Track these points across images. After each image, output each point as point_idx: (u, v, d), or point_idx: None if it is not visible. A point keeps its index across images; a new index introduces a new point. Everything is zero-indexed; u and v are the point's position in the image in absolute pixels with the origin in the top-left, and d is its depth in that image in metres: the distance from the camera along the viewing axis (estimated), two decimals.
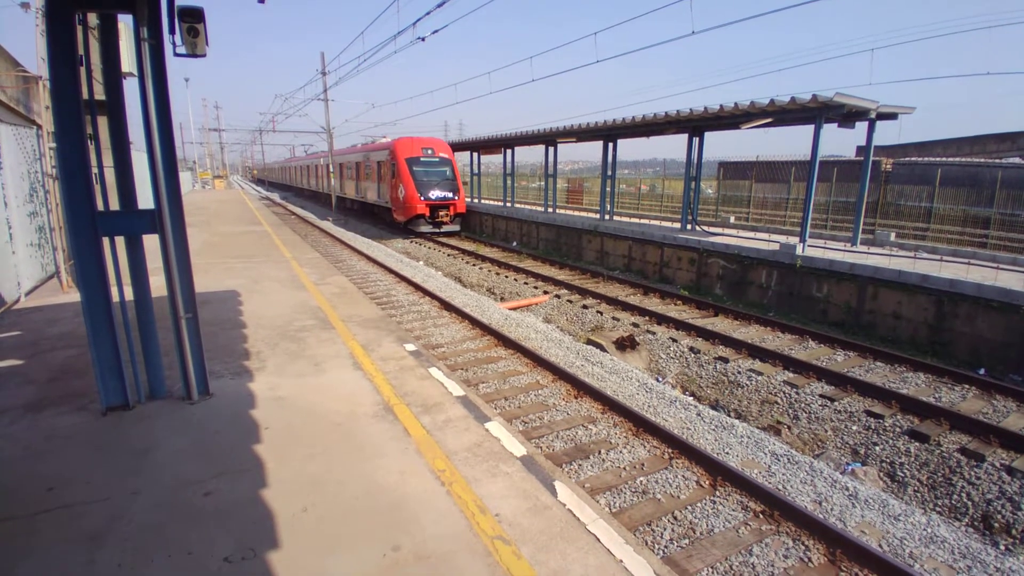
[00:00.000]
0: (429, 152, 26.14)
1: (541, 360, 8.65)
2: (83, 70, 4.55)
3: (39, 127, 9.93)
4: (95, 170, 4.74)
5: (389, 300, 12.58)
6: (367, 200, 32.35)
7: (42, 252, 10.27)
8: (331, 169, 37.23)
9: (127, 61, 5.57)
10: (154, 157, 4.66)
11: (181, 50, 5.03)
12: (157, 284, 5.00)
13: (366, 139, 40.92)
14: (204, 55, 5.15)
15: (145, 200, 4.84)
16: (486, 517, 3.71)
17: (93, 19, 5.00)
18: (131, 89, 5.01)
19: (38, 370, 6.08)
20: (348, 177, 36.28)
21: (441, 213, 25.77)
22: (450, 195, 25.95)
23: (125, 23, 5.82)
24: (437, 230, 25.99)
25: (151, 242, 4.95)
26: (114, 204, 5.03)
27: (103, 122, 4.90)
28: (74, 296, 9.10)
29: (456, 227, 26.68)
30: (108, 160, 4.97)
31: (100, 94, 4.91)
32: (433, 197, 25.37)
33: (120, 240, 4.96)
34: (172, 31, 4.92)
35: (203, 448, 4.51)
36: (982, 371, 9.70)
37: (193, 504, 3.78)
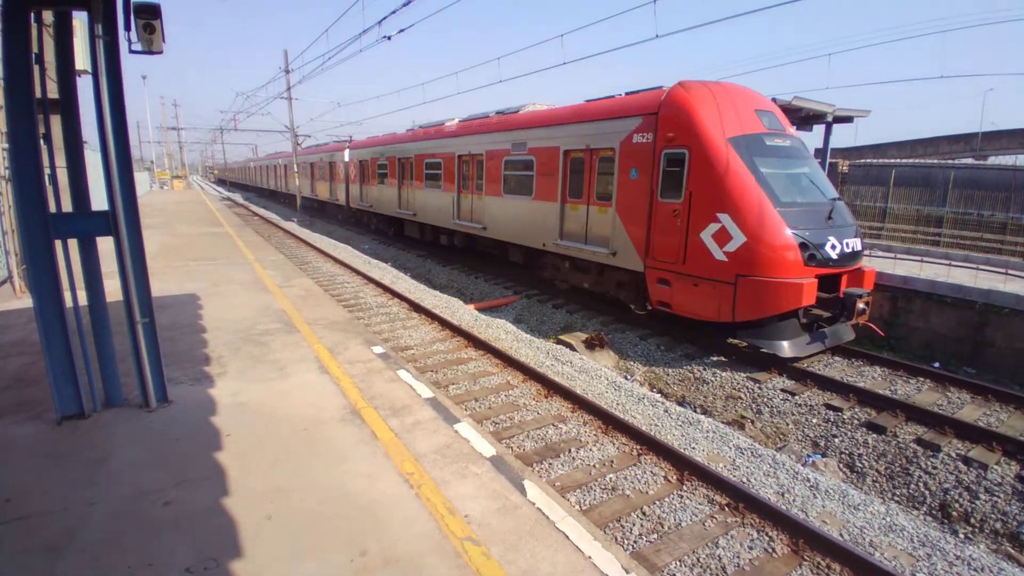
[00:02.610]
0: (771, 121, 10.22)
1: (511, 360, 8.66)
2: (37, 68, 4.41)
3: None
4: (48, 171, 4.58)
5: (357, 302, 12.44)
6: (492, 235, 15.47)
7: None
8: (296, 168, 36.54)
9: (81, 58, 5.41)
10: (108, 156, 4.53)
11: (137, 47, 4.90)
12: (112, 288, 4.86)
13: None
14: (161, 52, 5.01)
15: (99, 201, 4.70)
16: (455, 518, 3.70)
17: (48, 16, 4.84)
18: (85, 87, 4.86)
19: None
20: (413, 183, 20.01)
21: (858, 302, 8.94)
22: (854, 240, 9.64)
23: (80, 19, 5.64)
24: (832, 342, 9.69)
25: (106, 245, 4.80)
26: (67, 206, 4.87)
27: (56, 121, 4.75)
28: (27, 301, 8.76)
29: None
30: (61, 160, 4.82)
31: (53, 92, 4.75)
32: (830, 251, 9.07)
33: (74, 243, 4.81)
34: (128, 27, 4.78)
35: (162, 457, 4.39)
36: (936, 364, 10.05)
37: (152, 514, 3.68)
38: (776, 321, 9.04)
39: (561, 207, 12.50)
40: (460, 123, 17.44)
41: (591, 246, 11.69)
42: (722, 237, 8.98)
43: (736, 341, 10.00)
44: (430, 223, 19.41)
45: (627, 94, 11.31)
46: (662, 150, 9.77)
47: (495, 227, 15.29)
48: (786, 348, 9.03)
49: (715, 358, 9.64)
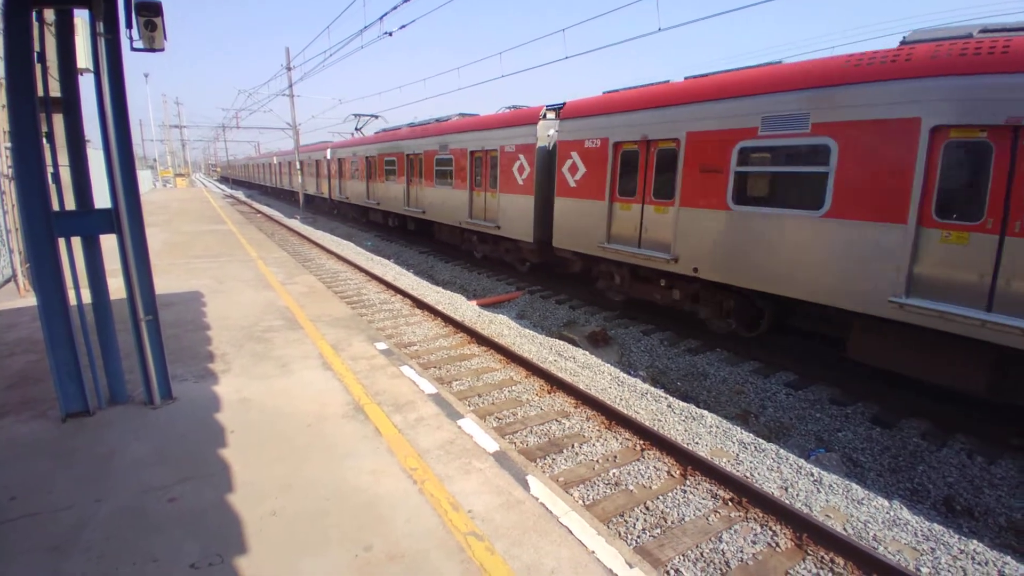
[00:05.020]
0: None
1: (514, 356, 8.66)
2: (39, 67, 4.42)
3: None
4: (51, 169, 4.60)
5: (360, 299, 12.45)
6: None
7: None
8: (297, 166, 36.53)
9: (83, 57, 5.41)
10: (110, 155, 4.54)
11: (139, 44, 4.90)
12: (116, 286, 4.87)
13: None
14: (163, 49, 5.01)
15: (102, 200, 4.71)
16: (459, 514, 3.71)
17: (49, 15, 4.85)
18: (87, 85, 4.87)
19: None
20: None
21: None
22: None
23: (81, 18, 5.64)
24: None
25: (109, 242, 4.82)
26: (70, 204, 4.88)
27: (59, 119, 4.77)
28: (32, 300, 8.79)
29: None
30: (64, 159, 4.83)
31: (56, 91, 4.76)
32: None
33: (77, 241, 4.82)
34: (129, 25, 4.79)
35: (166, 453, 4.41)
36: None
37: (157, 511, 3.69)
38: None
39: None
40: None
41: None
42: None
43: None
44: None
45: None
46: None
47: None
48: None
49: (718, 353, 9.62)
